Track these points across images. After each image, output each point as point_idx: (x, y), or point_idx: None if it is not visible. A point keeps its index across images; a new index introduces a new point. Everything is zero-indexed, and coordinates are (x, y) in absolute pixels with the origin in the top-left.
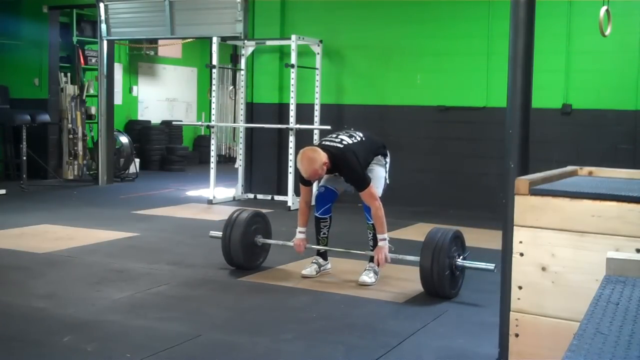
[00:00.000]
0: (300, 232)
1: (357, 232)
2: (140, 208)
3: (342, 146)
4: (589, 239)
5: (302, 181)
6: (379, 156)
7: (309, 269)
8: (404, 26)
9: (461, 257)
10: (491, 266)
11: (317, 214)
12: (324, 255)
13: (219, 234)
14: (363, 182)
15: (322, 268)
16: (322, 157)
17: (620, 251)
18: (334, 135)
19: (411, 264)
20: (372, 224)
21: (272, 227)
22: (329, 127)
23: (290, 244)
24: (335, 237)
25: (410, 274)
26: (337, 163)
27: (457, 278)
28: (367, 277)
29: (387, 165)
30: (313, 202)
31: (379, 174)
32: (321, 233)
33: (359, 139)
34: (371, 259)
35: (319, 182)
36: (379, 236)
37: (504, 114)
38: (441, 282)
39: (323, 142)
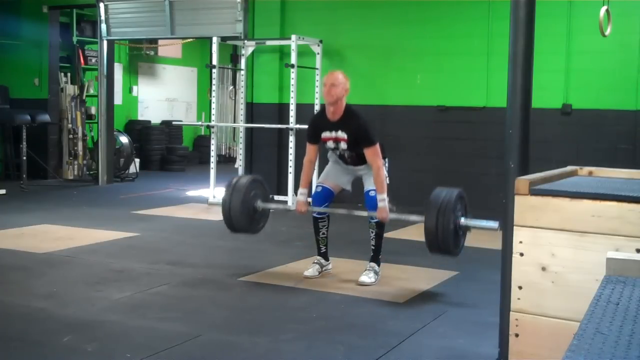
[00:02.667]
0: (301, 193)
1: (357, 232)
2: (140, 208)
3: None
4: (589, 239)
5: (309, 138)
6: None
7: (311, 270)
8: (404, 26)
9: (465, 217)
10: (495, 224)
11: (314, 215)
12: (325, 255)
13: (218, 200)
14: (371, 136)
15: (324, 268)
16: (348, 85)
17: (620, 251)
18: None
19: (417, 265)
20: (374, 223)
21: (271, 228)
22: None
23: (291, 207)
24: (335, 237)
25: (410, 274)
26: (349, 116)
27: (460, 237)
28: (367, 278)
29: (387, 166)
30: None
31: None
32: (320, 233)
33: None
34: (371, 258)
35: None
36: (379, 196)
37: (504, 114)
38: (445, 238)
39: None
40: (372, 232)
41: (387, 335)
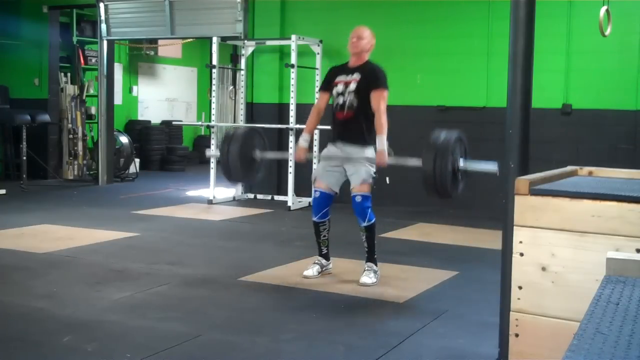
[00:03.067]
0: (304, 139)
1: (356, 233)
2: (140, 208)
3: None
4: (589, 239)
5: (323, 85)
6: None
7: (311, 270)
8: (404, 26)
9: (463, 160)
10: (494, 167)
11: (314, 219)
12: (326, 255)
13: (216, 152)
14: (383, 83)
15: (324, 269)
16: (373, 41)
17: (620, 251)
18: None
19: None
20: (364, 227)
21: (271, 228)
22: (329, 127)
23: (290, 156)
24: (335, 237)
25: (410, 274)
26: (370, 64)
27: (459, 181)
28: (368, 278)
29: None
30: (311, 203)
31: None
32: (321, 236)
33: None
34: (367, 259)
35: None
36: (379, 138)
37: (504, 114)
38: (443, 179)
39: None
40: (363, 235)
41: (387, 335)
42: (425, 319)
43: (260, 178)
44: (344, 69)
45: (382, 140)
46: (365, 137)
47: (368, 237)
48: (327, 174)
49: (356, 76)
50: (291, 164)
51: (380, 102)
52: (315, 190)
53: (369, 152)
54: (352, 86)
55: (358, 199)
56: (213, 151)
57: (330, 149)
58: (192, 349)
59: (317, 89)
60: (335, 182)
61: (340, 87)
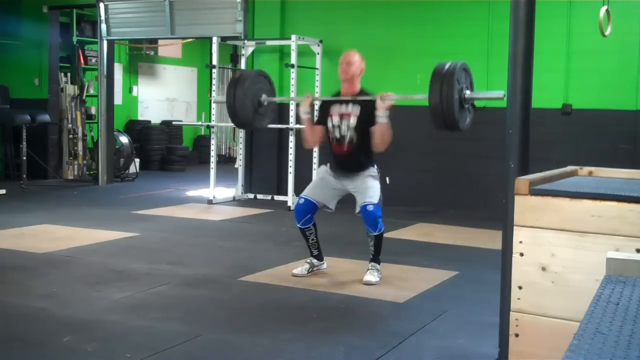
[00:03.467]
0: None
1: (356, 233)
2: (140, 208)
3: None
4: (589, 239)
5: (320, 119)
6: (375, 167)
7: (300, 268)
8: (404, 26)
9: (469, 91)
10: (500, 94)
11: (298, 225)
12: (318, 256)
13: (223, 98)
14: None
15: (315, 268)
16: (363, 65)
17: (620, 251)
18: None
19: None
20: (374, 235)
21: (271, 228)
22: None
23: (295, 99)
24: (335, 237)
25: (410, 274)
26: (364, 94)
27: (466, 112)
28: (372, 277)
29: (378, 172)
30: (296, 205)
31: (378, 185)
32: (309, 240)
33: None
34: (371, 259)
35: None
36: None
37: (504, 114)
38: (450, 108)
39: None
40: (371, 242)
41: (387, 335)
42: (425, 319)
43: (267, 124)
44: (338, 99)
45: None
46: (366, 164)
47: (376, 244)
48: (324, 191)
49: (355, 110)
50: (291, 164)
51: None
52: (301, 197)
53: (372, 170)
54: (352, 122)
55: (370, 207)
56: (219, 97)
57: (330, 176)
58: (192, 349)
59: (317, 90)
60: (331, 199)
61: (336, 120)
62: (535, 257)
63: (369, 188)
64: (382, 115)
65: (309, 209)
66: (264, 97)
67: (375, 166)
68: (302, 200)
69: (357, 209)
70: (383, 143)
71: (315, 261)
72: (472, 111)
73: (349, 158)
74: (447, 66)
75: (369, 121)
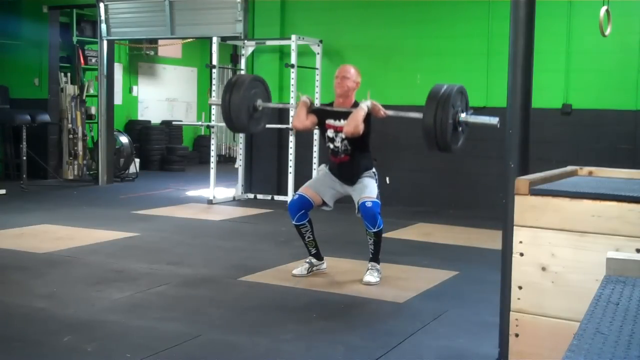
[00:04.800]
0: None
1: (355, 233)
2: (140, 208)
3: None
4: (589, 239)
5: (313, 111)
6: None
7: (300, 269)
8: (404, 26)
9: (464, 113)
10: (494, 120)
11: (293, 222)
12: (317, 255)
13: (218, 100)
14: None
15: (314, 268)
16: (359, 79)
17: (620, 251)
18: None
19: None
20: (373, 232)
21: (272, 228)
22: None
23: (292, 106)
24: (334, 237)
25: (410, 274)
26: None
27: (459, 134)
28: (372, 277)
29: (374, 171)
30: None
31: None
32: (306, 237)
33: None
34: (371, 259)
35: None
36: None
37: (504, 114)
38: (443, 132)
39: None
40: (370, 240)
41: (387, 335)
42: (425, 319)
43: (262, 129)
44: (333, 112)
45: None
46: (363, 170)
47: (375, 242)
48: (324, 186)
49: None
50: (291, 164)
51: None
52: (296, 194)
53: (369, 172)
54: (344, 135)
55: (368, 204)
56: (215, 99)
57: (329, 177)
58: (192, 349)
59: (317, 90)
60: (331, 196)
61: (330, 133)
62: (535, 257)
63: (366, 186)
64: (364, 104)
65: (302, 205)
66: (259, 102)
67: (374, 169)
68: (296, 196)
69: (357, 208)
70: (350, 127)
71: (314, 260)
72: (467, 130)
73: (346, 166)
74: (443, 89)
75: (363, 132)
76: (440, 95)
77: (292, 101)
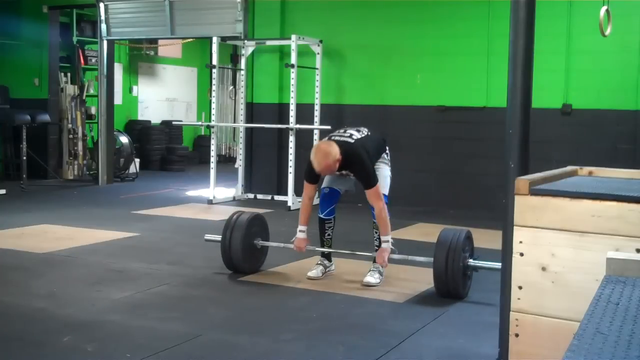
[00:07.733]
0: (301, 231)
1: (360, 232)
2: (140, 208)
3: (352, 141)
4: (589, 239)
5: (308, 178)
6: (384, 153)
7: (315, 271)
8: (404, 26)
9: (472, 258)
10: (499, 265)
11: (321, 215)
12: (328, 256)
13: (216, 237)
14: (371, 179)
15: (327, 269)
16: (337, 152)
17: (620, 251)
18: (342, 130)
19: (420, 264)
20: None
21: (272, 228)
22: (329, 127)
23: (291, 245)
24: (338, 237)
25: (411, 274)
26: (348, 159)
27: (468, 278)
28: (372, 278)
29: (388, 159)
30: (316, 202)
31: (385, 173)
32: (326, 234)
33: (366, 133)
34: (375, 259)
35: (321, 181)
36: (382, 238)
37: (504, 114)
38: (455, 282)
39: (333, 137)
40: (376, 233)
41: (387, 335)
42: (425, 319)
43: (262, 264)
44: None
45: (386, 240)
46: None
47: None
48: (332, 179)
49: (347, 172)
50: (291, 164)
51: (376, 200)
52: (324, 187)
53: (385, 157)
54: (346, 177)
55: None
56: (213, 236)
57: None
58: (192, 349)
59: (317, 90)
60: (341, 185)
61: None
62: (535, 257)
63: (379, 177)
64: (388, 245)
65: (333, 198)
66: (258, 241)
67: (386, 154)
68: (327, 190)
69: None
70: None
71: (326, 261)
72: (472, 276)
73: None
74: (452, 236)
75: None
76: (450, 244)
77: (292, 100)
